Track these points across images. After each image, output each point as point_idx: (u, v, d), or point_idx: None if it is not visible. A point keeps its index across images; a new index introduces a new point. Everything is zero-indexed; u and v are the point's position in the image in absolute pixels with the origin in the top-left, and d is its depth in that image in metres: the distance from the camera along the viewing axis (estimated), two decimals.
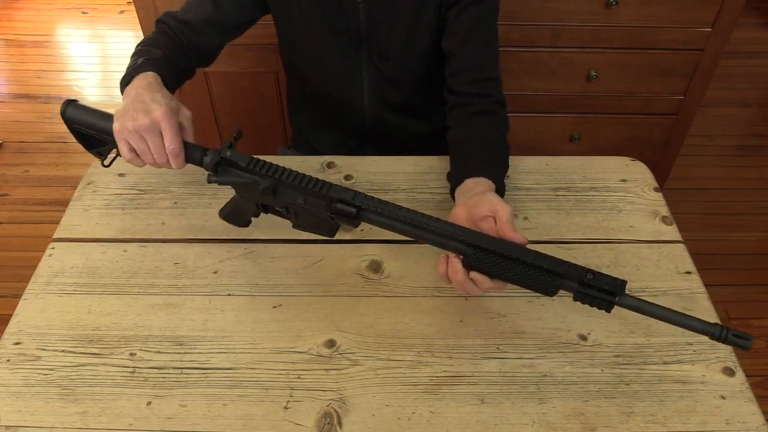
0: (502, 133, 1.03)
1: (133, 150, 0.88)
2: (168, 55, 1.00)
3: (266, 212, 0.90)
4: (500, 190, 0.92)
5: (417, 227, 0.77)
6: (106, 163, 0.96)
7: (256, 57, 1.69)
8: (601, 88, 1.74)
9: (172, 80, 0.97)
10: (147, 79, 0.91)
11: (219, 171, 0.85)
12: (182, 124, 0.89)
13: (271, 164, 0.83)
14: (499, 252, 0.74)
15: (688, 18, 1.61)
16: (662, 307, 0.73)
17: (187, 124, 0.90)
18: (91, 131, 0.92)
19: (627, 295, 0.73)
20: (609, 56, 1.67)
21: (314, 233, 0.86)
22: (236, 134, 0.87)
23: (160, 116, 0.84)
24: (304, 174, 0.82)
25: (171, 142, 0.85)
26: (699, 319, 0.72)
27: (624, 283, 0.72)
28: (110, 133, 0.89)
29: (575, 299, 0.74)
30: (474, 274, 0.76)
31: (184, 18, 1.06)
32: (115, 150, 0.92)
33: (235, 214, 0.94)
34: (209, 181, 0.85)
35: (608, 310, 0.73)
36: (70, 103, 0.92)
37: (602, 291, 0.72)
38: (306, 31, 1.12)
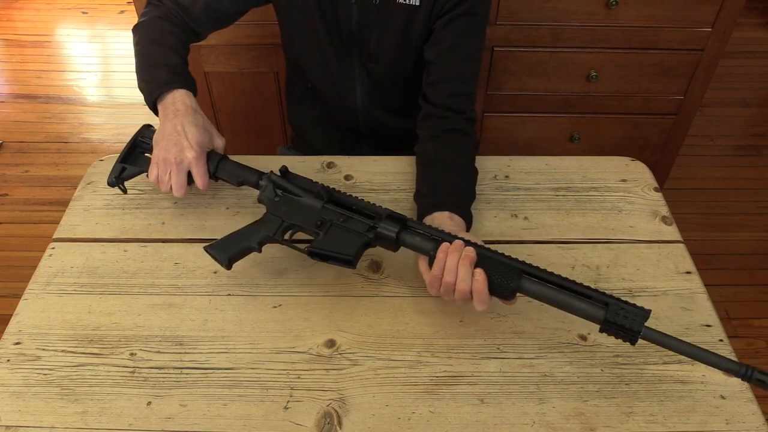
0: (472, 157, 1.03)
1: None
2: (184, 56, 1.03)
3: (277, 240, 0.88)
4: (469, 224, 0.93)
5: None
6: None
7: (256, 57, 1.69)
8: (601, 88, 1.74)
9: (194, 86, 1.01)
10: (182, 100, 0.95)
11: (264, 185, 0.91)
12: (216, 150, 0.96)
13: (321, 183, 0.89)
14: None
15: (688, 18, 1.61)
16: (686, 343, 0.73)
17: (221, 151, 0.96)
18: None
19: (650, 329, 0.73)
20: (609, 56, 1.67)
21: (336, 256, 0.83)
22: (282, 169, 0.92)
23: (191, 158, 0.91)
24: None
25: (201, 184, 0.92)
26: (724, 357, 0.72)
27: (647, 315, 0.72)
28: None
29: (601, 331, 0.75)
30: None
31: (181, 2, 1.06)
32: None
33: (235, 240, 0.89)
34: (260, 199, 0.91)
35: (632, 344, 0.74)
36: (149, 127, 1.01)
37: (623, 329, 0.73)
38: (304, 27, 1.12)
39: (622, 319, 0.72)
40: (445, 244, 0.79)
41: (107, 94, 2.68)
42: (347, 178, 1.07)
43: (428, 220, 0.91)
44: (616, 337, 0.74)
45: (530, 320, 0.86)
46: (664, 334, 0.73)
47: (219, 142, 0.96)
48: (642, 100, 1.76)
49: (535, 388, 0.79)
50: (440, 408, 0.77)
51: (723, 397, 0.78)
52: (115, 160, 0.98)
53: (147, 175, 0.94)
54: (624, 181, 1.07)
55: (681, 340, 0.73)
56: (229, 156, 0.96)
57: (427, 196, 0.95)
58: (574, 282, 0.76)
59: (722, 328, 0.85)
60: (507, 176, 1.07)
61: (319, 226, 0.86)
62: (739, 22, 1.67)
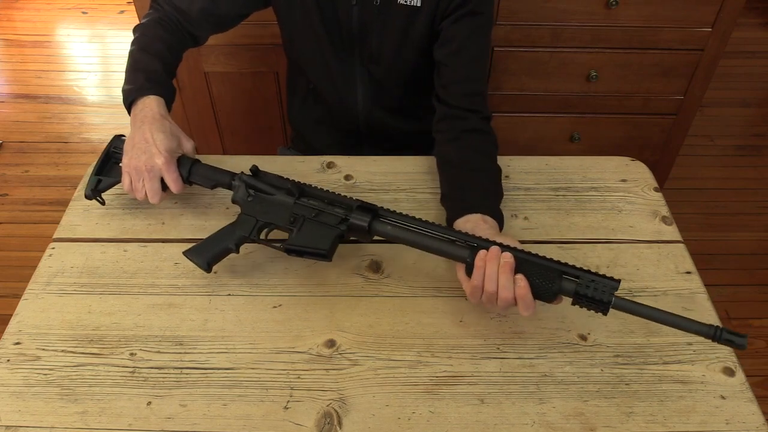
0: (493, 156, 1.02)
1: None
2: (168, 63, 1.03)
3: (254, 240, 0.89)
4: (501, 224, 0.92)
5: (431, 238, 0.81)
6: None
7: (256, 57, 1.69)
8: (601, 88, 1.74)
9: (170, 93, 1.02)
10: (150, 107, 0.96)
11: (237, 186, 0.91)
12: (187, 155, 0.96)
13: (292, 180, 0.90)
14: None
15: (688, 18, 1.61)
16: (656, 308, 0.74)
17: (192, 154, 0.98)
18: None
19: (621, 298, 0.74)
20: (609, 56, 1.67)
21: (311, 251, 0.85)
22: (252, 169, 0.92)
23: (161, 165, 0.92)
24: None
25: (175, 188, 0.93)
26: (692, 320, 0.73)
27: (616, 285, 0.74)
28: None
29: (573, 304, 0.76)
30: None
31: (178, 5, 1.07)
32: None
33: (212, 242, 0.89)
34: (234, 200, 0.92)
35: (604, 314, 0.75)
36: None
37: (594, 301, 0.74)
38: (305, 28, 1.12)
39: (593, 292, 0.73)
40: (482, 252, 0.78)
41: (107, 94, 2.68)
42: (347, 178, 1.07)
43: (461, 222, 0.89)
44: (588, 309, 0.75)
45: (530, 320, 0.86)
46: (633, 301, 0.74)
47: (188, 146, 0.97)
48: (642, 100, 1.76)
49: (535, 388, 0.79)
50: (440, 408, 0.77)
51: (723, 397, 0.78)
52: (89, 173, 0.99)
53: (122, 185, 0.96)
54: (624, 181, 1.07)
55: (651, 307, 0.74)
56: (200, 159, 0.97)
57: (456, 200, 0.94)
58: (565, 264, 0.77)
59: None
60: (507, 176, 1.07)
61: (292, 222, 0.87)
62: (739, 22, 1.67)
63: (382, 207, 0.85)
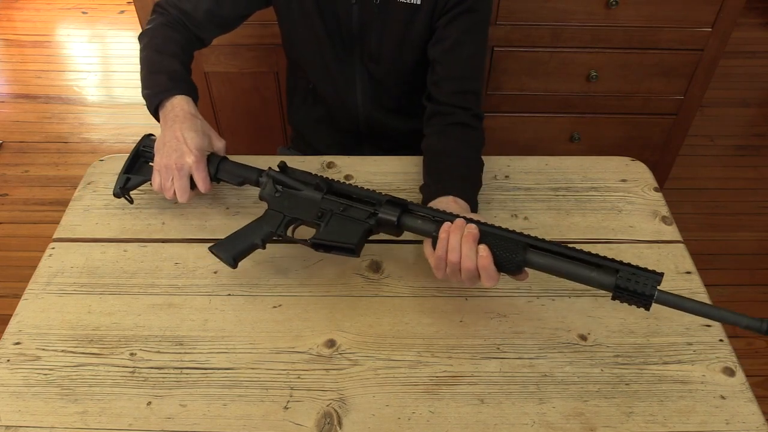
0: (478, 149, 1.03)
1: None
2: (185, 63, 1.03)
3: (280, 235, 0.88)
4: (475, 209, 0.92)
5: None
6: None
7: (256, 57, 1.69)
8: (601, 88, 1.74)
9: (195, 91, 1.01)
10: (180, 106, 0.96)
11: (264, 182, 0.91)
12: (218, 153, 0.97)
13: (320, 176, 0.90)
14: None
15: (688, 18, 1.61)
16: (702, 302, 0.71)
17: (221, 153, 0.97)
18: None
19: (664, 291, 0.71)
20: (609, 56, 1.67)
21: (339, 246, 0.84)
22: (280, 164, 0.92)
23: (192, 163, 0.92)
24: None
25: (203, 187, 0.93)
26: (741, 314, 0.70)
27: (659, 278, 0.71)
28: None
29: (613, 298, 0.74)
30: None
31: (183, 7, 1.07)
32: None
33: (238, 238, 0.89)
34: (261, 196, 0.92)
35: (647, 308, 0.73)
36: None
37: (636, 294, 0.71)
38: (304, 28, 1.12)
39: (634, 285, 0.71)
40: (446, 224, 0.79)
41: (107, 94, 2.68)
42: (347, 178, 1.07)
43: (432, 205, 0.90)
44: (630, 304, 0.73)
45: (530, 320, 0.86)
46: (678, 295, 0.71)
47: (219, 144, 0.97)
48: (642, 100, 1.76)
49: (535, 388, 0.79)
50: (440, 408, 0.77)
51: (723, 397, 0.78)
52: (119, 170, 0.99)
53: (151, 184, 0.95)
54: (624, 181, 1.07)
55: (696, 301, 0.71)
56: (228, 156, 0.97)
57: (431, 185, 0.95)
58: (581, 251, 0.75)
59: (722, 328, 0.85)
60: (507, 176, 1.07)
61: (320, 217, 0.86)
62: (739, 22, 1.67)
63: (411, 202, 0.84)
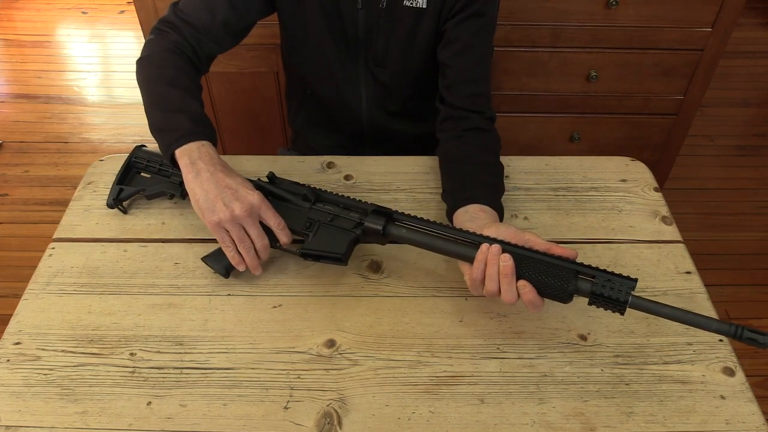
0: (496, 153, 1.02)
1: (233, 241, 0.86)
2: (200, 99, 0.97)
3: (270, 246, 0.88)
4: (501, 216, 0.92)
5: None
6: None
7: (256, 57, 1.69)
8: (601, 88, 1.74)
9: (215, 135, 0.95)
10: (209, 154, 0.88)
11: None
12: None
13: (308, 185, 0.91)
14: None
15: (688, 18, 1.61)
16: (674, 307, 0.73)
17: None
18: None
19: (638, 297, 0.74)
20: (609, 56, 1.67)
21: (327, 255, 0.85)
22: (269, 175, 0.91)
23: (257, 202, 0.85)
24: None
25: (277, 222, 0.86)
26: (713, 319, 0.73)
27: (633, 284, 0.73)
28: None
29: (589, 303, 0.76)
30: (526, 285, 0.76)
31: (198, 23, 1.01)
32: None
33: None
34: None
35: (621, 313, 0.75)
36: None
37: (611, 300, 0.73)
38: (310, 34, 1.11)
39: (609, 291, 0.73)
40: (485, 245, 0.78)
41: (107, 94, 2.68)
42: (347, 178, 1.07)
43: (460, 213, 0.90)
44: (605, 309, 0.75)
45: (530, 320, 0.86)
46: (651, 300, 0.74)
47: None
48: (642, 100, 1.76)
49: (535, 388, 0.79)
50: (440, 408, 0.77)
51: (723, 397, 0.78)
52: (112, 182, 1.00)
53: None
54: (624, 181, 1.07)
55: (669, 306, 0.73)
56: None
57: (456, 192, 0.94)
58: (561, 259, 0.77)
59: None
60: (507, 176, 1.07)
61: (308, 227, 0.87)
62: (739, 22, 1.67)
63: (396, 211, 0.85)
